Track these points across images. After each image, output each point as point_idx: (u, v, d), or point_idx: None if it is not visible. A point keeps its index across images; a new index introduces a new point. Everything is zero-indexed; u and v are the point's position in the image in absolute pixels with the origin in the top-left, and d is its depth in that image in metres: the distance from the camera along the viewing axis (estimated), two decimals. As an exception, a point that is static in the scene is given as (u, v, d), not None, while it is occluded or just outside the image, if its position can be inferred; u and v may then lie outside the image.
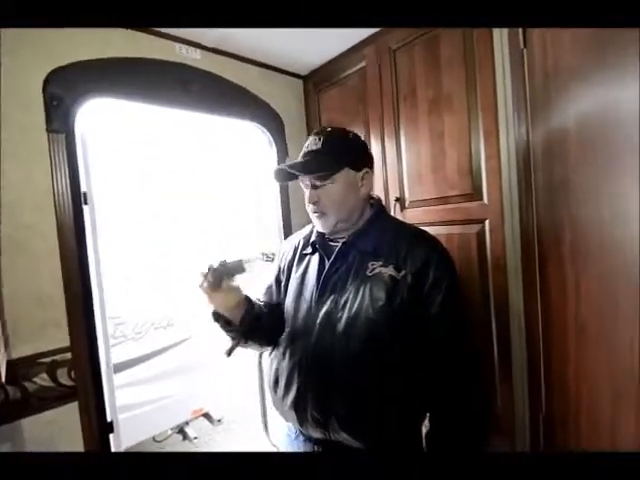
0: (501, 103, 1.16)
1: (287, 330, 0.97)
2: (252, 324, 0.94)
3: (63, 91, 1.18)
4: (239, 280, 0.93)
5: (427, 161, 1.42)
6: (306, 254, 1.02)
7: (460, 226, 1.34)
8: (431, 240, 0.93)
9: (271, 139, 1.78)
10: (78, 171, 1.24)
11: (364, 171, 0.93)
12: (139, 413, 2.66)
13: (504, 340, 1.23)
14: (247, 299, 0.97)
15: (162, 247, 3.09)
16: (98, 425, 1.25)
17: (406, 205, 1.53)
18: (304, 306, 0.94)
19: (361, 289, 0.87)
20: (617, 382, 0.83)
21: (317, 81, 1.88)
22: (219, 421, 3.03)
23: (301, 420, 0.89)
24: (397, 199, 1.54)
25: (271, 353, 1.03)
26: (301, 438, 0.95)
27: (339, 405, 0.84)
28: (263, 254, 0.99)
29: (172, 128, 2.45)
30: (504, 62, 1.12)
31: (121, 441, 1.48)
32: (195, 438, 2.84)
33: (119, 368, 2.72)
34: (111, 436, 1.35)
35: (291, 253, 1.07)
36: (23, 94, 1.12)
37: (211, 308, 0.94)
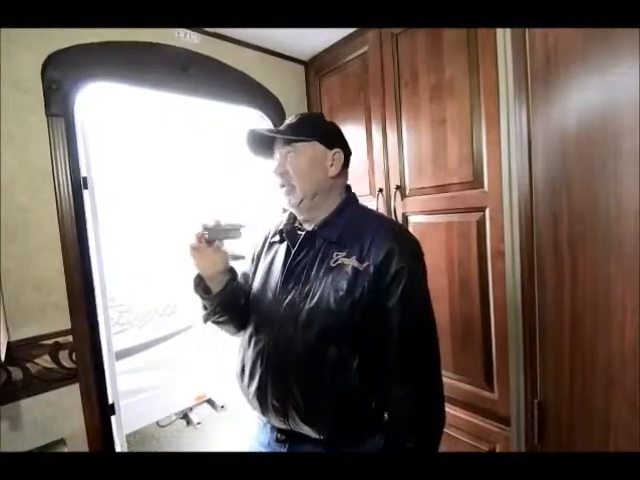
0: (502, 87, 1.13)
1: (253, 318, 0.96)
2: (231, 296, 0.94)
3: (62, 75, 1.18)
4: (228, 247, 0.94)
5: (428, 148, 1.41)
6: (274, 242, 1.01)
7: (460, 214, 1.33)
8: (398, 230, 0.90)
9: (271, 125, 1.77)
10: (78, 155, 1.24)
11: (335, 150, 0.91)
12: (143, 398, 2.70)
13: (502, 327, 1.22)
14: (232, 270, 0.97)
15: (165, 234, 3.11)
16: (99, 407, 1.28)
17: (406, 193, 1.51)
18: (269, 295, 0.93)
19: (324, 280, 0.85)
20: (611, 368, 0.83)
21: (319, 67, 1.86)
22: (222, 407, 3.08)
23: (263, 409, 0.89)
24: (397, 187, 1.53)
25: (241, 341, 1.02)
26: (268, 426, 0.95)
27: (297, 396, 0.83)
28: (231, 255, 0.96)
29: (172, 113, 2.44)
30: (506, 45, 1.10)
31: (123, 423, 1.51)
32: (198, 424, 2.89)
33: (124, 354, 2.77)
34: (113, 418, 1.38)
35: (261, 242, 1.07)
36: (19, 76, 1.12)
37: (194, 272, 0.95)
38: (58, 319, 1.19)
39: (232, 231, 0.92)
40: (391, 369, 0.83)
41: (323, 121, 0.98)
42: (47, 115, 1.16)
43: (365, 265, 0.82)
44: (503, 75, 1.13)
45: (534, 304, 1.06)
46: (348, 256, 0.84)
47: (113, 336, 1.53)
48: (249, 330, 0.96)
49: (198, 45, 1.50)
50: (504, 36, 1.10)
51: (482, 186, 1.25)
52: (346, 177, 0.98)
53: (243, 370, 0.95)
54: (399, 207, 1.53)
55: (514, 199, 1.13)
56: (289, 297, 0.88)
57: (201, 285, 0.95)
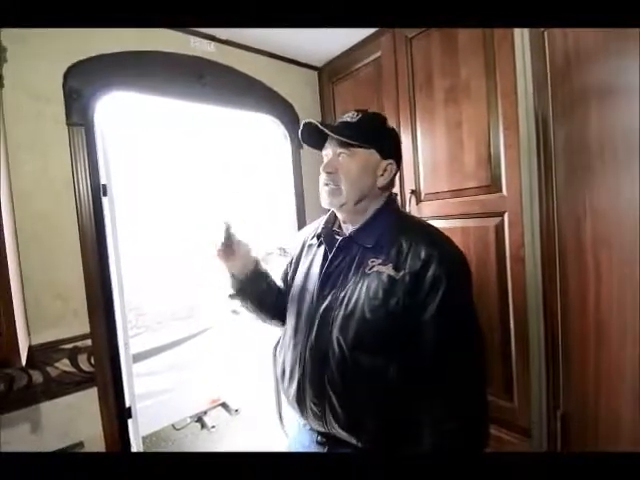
0: (521, 89, 1.11)
1: (292, 320, 0.97)
2: (254, 283, 1.01)
3: (82, 85, 1.21)
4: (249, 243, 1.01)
5: (444, 152, 1.39)
6: (313, 245, 1.01)
7: (478, 219, 1.31)
8: (437, 237, 0.85)
9: (285, 132, 1.78)
10: (97, 163, 1.27)
11: (389, 162, 0.88)
12: (159, 401, 2.73)
13: (522, 334, 1.19)
14: (257, 261, 1.03)
15: (182, 239, 3.15)
16: (116, 410, 1.29)
17: (422, 198, 1.50)
18: (307, 299, 0.93)
19: (358, 286, 0.83)
20: (639, 378, 0.79)
21: (332, 72, 1.86)
22: (236, 411, 3.08)
23: (302, 412, 0.89)
24: (412, 191, 1.51)
25: (279, 343, 1.04)
26: (307, 427, 0.95)
27: (334, 402, 0.82)
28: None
29: (188, 121, 2.48)
30: (524, 45, 1.07)
31: (139, 427, 1.53)
32: (213, 427, 2.90)
33: (141, 357, 2.81)
34: (129, 421, 1.40)
35: (300, 244, 1.07)
36: (40, 86, 1.15)
37: (226, 270, 1.00)
38: (77, 323, 1.21)
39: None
40: (428, 383, 0.80)
41: (384, 128, 0.92)
42: (68, 124, 1.19)
43: (401, 274, 0.79)
44: (521, 76, 1.11)
45: (556, 311, 1.02)
46: (384, 263, 0.82)
47: (130, 339, 1.56)
48: (289, 332, 0.97)
49: (213, 53, 1.52)
50: (522, 36, 1.08)
51: (500, 190, 1.22)
52: (393, 186, 0.95)
53: (284, 372, 0.95)
54: (414, 212, 1.51)
55: (535, 203, 1.10)
56: (325, 302, 0.88)
57: (235, 278, 1.01)
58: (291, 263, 1.08)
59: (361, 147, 0.86)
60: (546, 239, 1.06)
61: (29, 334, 1.11)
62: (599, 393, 0.92)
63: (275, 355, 1.92)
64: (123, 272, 1.48)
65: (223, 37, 1.54)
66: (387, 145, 0.90)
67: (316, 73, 1.93)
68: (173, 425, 2.87)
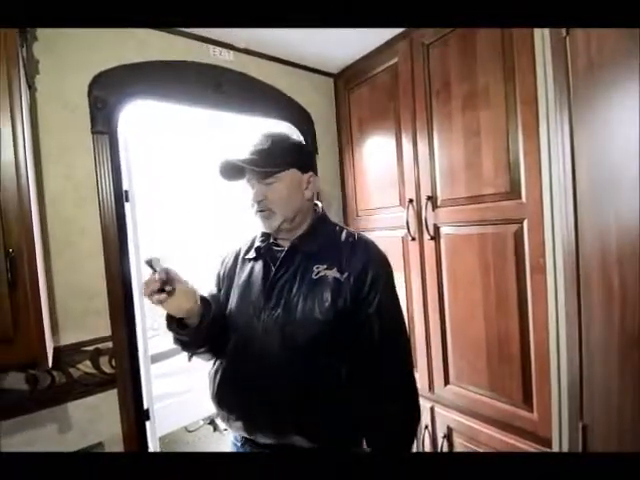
0: (541, 95, 1.10)
1: (232, 339, 0.94)
2: (209, 328, 0.89)
3: (107, 94, 1.25)
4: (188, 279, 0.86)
5: (461, 158, 1.38)
6: (249, 260, 1.00)
7: (496, 226, 1.29)
8: (370, 243, 0.97)
9: (301, 137, 1.79)
10: (120, 170, 1.30)
11: (309, 174, 0.96)
12: (173, 403, 2.75)
13: (542, 344, 1.17)
14: (203, 299, 0.91)
15: (198, 242, 3.19)
16: (135, 412, 1.32)
17: (438, 204, 1.49)
18: (250, 314, 0.92)
19: (308, 293, 0.88)
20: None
21: (348, 79, 1.87)
22: (248, 414, 3.09)
23: (250, 430, 0.89)
24: (429, 198, 1.51)
25: (214, 364, 0.99)
26: (247, 447, 0.96)
27: (290, 411, 0.84)
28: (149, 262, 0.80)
29: (207, 127, 2.51)
30: (545, 51, 1.06)
31: (156, 428, 1.55)
32: (225, 430, 2.91)
33: (156, 359, 2.84)
34: (147, 423, 1.42)
35: (232, 260, 1.06)
36: (67, 95, 1.19)
37: (164, 312, 0.88)
38: (99, 326, 1.24)
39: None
40: (375, 373, 0.88)
41: (296, 145, 0.98)
42: (92, 132, 1.23)
43: (346, 275, 0.87)
44: (542, 81, 1.10)
45: (579, 322, 1.00)
46: (329, 268, 0.89)
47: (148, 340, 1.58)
48: (228, 351, 0.94)
49: (231, 62, 1.55)
50: (543, 42, 1.07)
51: (520, 197, 1.21)
52: (317, 192, 1.02)
53: (223, 391, 0.93)
54: (430, 218, 1.51)
55: (556, 211, 1.09)
56: (273, 313, 0.89)
57: (174, 323, 0.89)
58: (223, 279, 1.05)
59: (282, 171, 0.90)
60: (567, 248, 1.04)
61: (52, 336, 1.14)
62: (624, 404, 0.90)
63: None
64: (143, 275, 1.50)
65: (241, 46, 1.57)
66: (303, 160, 0.97)
67: (332, 80, 1.95)
68: (186, 427, 2.89)
